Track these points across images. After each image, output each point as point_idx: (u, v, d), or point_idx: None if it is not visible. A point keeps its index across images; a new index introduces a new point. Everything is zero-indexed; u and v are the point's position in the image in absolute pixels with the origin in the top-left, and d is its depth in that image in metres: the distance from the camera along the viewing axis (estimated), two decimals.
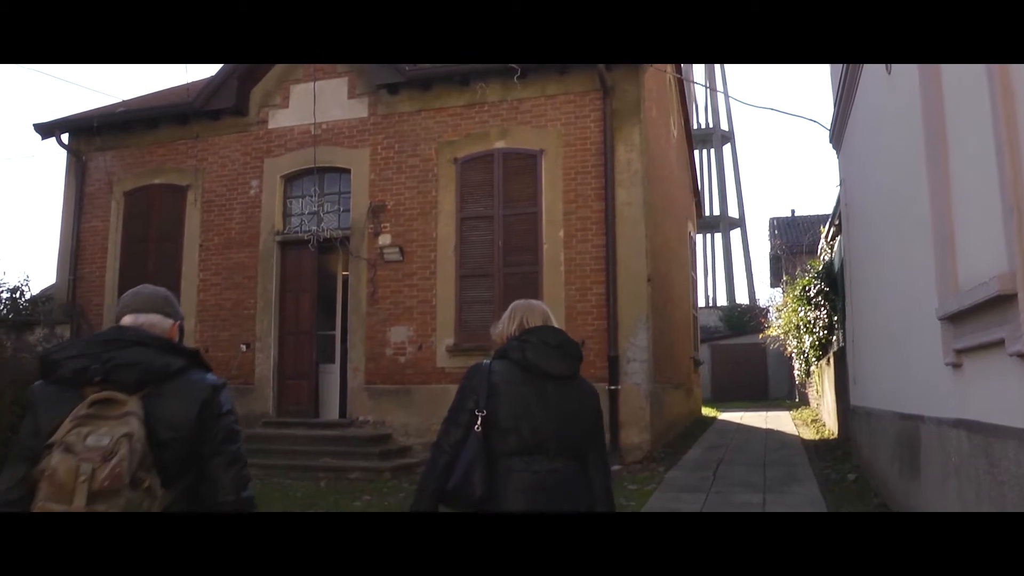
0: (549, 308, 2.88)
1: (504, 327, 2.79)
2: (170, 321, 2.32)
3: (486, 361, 2.69)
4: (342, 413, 11.21)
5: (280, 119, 11.78)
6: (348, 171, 11.35)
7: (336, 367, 11.51)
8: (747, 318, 30.96)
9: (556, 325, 2.79)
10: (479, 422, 2.54)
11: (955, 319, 3.89)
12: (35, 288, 14.01)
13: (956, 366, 4.01)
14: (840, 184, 10.21)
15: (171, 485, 2.04)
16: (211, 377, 2.22)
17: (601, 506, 2.65)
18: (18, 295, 11.91)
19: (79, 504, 1.87)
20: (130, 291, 2.35)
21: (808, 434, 13.78)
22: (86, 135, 12.66)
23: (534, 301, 2.87)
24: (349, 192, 11.34)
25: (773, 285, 29.87)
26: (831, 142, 10.04)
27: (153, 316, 2.28)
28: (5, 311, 11.58)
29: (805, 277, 13.94)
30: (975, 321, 3.53)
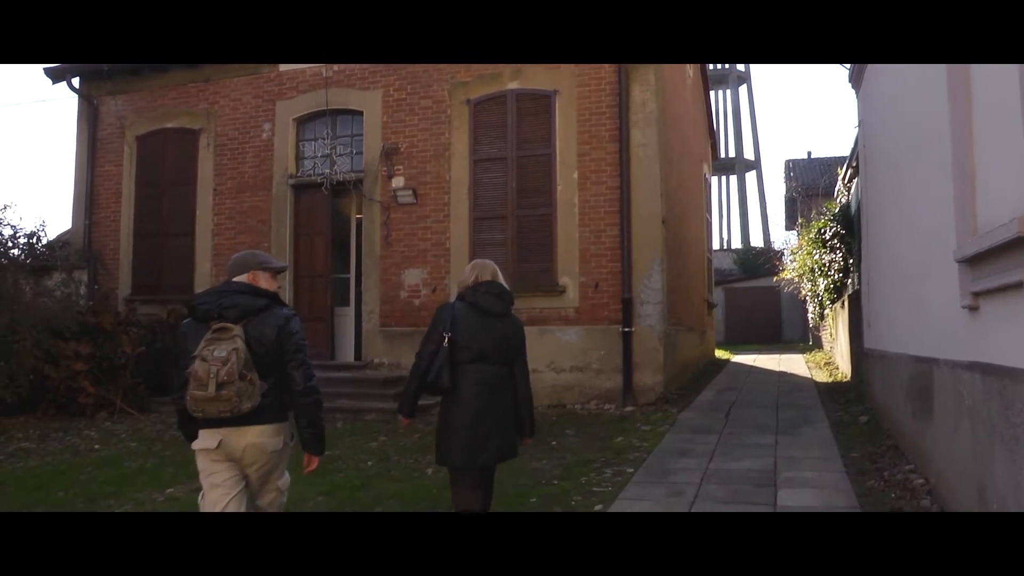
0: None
1: (465, 279, 4.12)
2: (251, 274, 3.47)
3: (451, 301, 4.07)
4: (357, 355, 11.34)
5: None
6: (360, 113, 11.26)
7: (351, 310, 11.60)
8: (762, 261, 30.81)
9: (501, 280, 4.09)
10: (446, 341, 3.88)
11: (973, 261, 3.86)
12: (52, 233, 14.04)
13: (972, 309, 3.99)
14: (859, 125, 10.04)
15: (266, 379, 3.26)
16: (286, 310, 3.43)
17: (522, 396, 4.07)
18: (35, 241, 11.94)
19: (211, 390, 3.07)
20: (231, 259, 3.58)
21: (821, 377, 13.84)
22: (97, 79, 12.58)
23: (487, 261, 4.21)
24: (362, 134, 11.27)
25: (788, 228, 29.69)
26: (850, 82, 9.84)
27: (241, 276, 3.47)
28: (23, 256, 11.65)
29: (821, 220, 13.80)
30: (993, 263, 3.50)
